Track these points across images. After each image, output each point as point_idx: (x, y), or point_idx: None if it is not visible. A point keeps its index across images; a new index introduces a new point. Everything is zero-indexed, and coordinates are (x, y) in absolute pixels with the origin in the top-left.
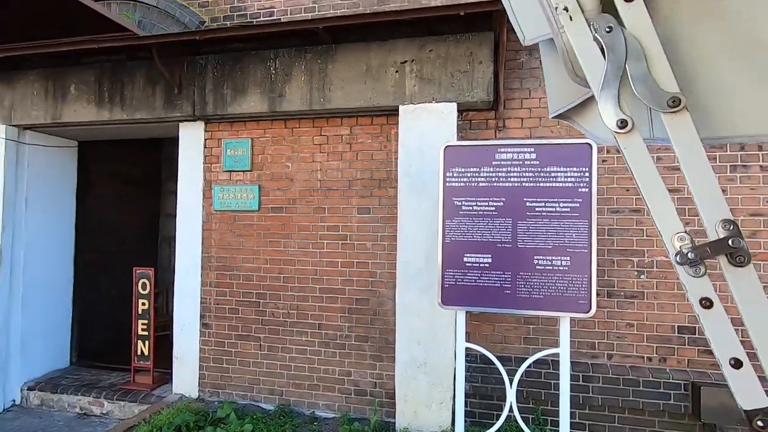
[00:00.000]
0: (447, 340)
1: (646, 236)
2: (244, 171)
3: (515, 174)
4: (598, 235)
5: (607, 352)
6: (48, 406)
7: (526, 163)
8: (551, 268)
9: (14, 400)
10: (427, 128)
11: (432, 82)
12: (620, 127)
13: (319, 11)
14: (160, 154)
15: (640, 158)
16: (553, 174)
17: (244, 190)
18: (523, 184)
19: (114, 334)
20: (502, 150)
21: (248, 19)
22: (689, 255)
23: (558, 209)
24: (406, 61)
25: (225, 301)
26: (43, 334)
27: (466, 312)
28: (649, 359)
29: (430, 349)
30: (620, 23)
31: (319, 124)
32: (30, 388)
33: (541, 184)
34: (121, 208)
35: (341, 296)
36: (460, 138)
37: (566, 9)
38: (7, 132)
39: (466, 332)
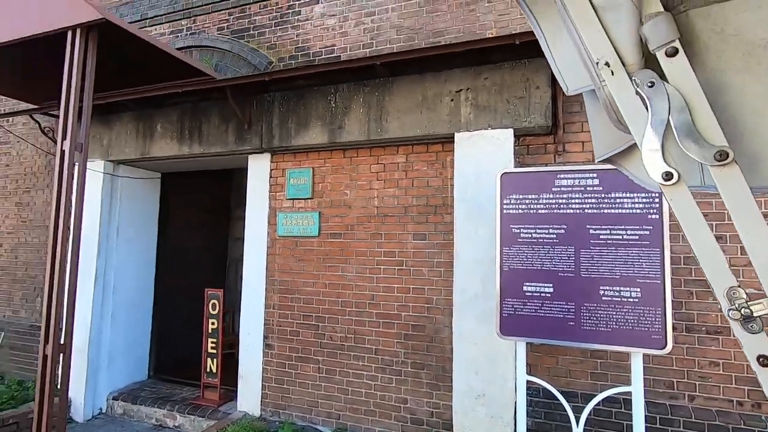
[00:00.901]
0: (507, 371)
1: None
2: (305, 199)
3: (577, 200)
4: (672, 264)
5: (688, 393)
6: (129, 415)
7: (588, 189)
8: (619, 299)
9: (101, 408)
10: (484, 155)
11: (487, 108)
12: (666, 180)
13: (376, 47)
14: (231, 183)
15: (688, 211)
16: (618, 200)
17: (305, 217)
18: (586, 210)
19: (187, 350)
20: (563, 176)
21: (311, 58)
22: (743, 311)
23: (625, 237)
24: (461, 90)
25: (287, 322)
26: (126, 348)
27: (527, 343)
28: (740, 404)
29: (489, 380)
30: (663, 77)
31: (376, 153)
32: (114, 398)
33: (606, 211)
34: (195, 234)
35: (397, 322)
36: (517, 163)
37: (607, 64)
38: (105, 167)
39: (527, 364)
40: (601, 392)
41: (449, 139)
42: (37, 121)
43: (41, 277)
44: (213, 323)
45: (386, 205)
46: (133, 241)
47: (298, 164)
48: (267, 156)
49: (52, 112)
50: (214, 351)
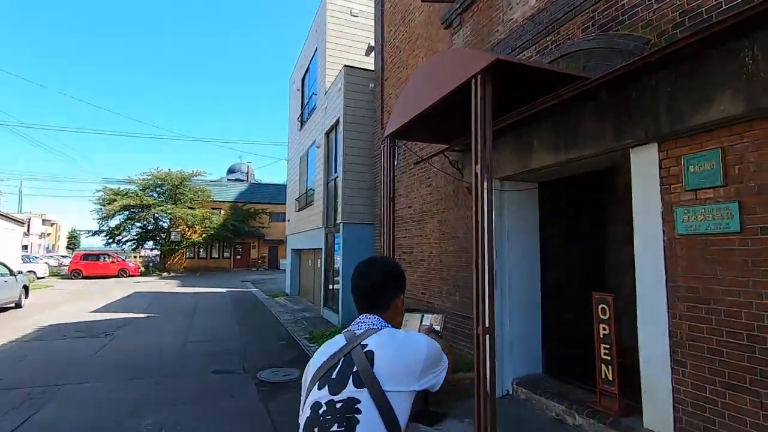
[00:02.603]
0: None
1: None
2: (714, 187)
3: None
4: None
5: None
6: (531, 402)
7: None
8: None
9: (507, 391)
10: None
11: None
12: None
13: None
14: (601, 185)
15: None
16: None
17: (716, 210)
18: None
19: (574, 352)
20: None
21: (704, 17)
22: None
23: None
24: None
25: (702, 338)
26: (522, 341)
27: None
28: None
29: None
30: None
31: None
32: (518, 384)
33: None
34: (570, 237)
35: None
36: None
37: None
38: (495, 184)
39: None
40: None
41: None
42: (447, 156)
43: (458, 276)
44: (605, 328)
45: None
46: (520, 243)
47: (697, 147)
48: (653, 146)
49: (455, 149)
50: (608, 358)
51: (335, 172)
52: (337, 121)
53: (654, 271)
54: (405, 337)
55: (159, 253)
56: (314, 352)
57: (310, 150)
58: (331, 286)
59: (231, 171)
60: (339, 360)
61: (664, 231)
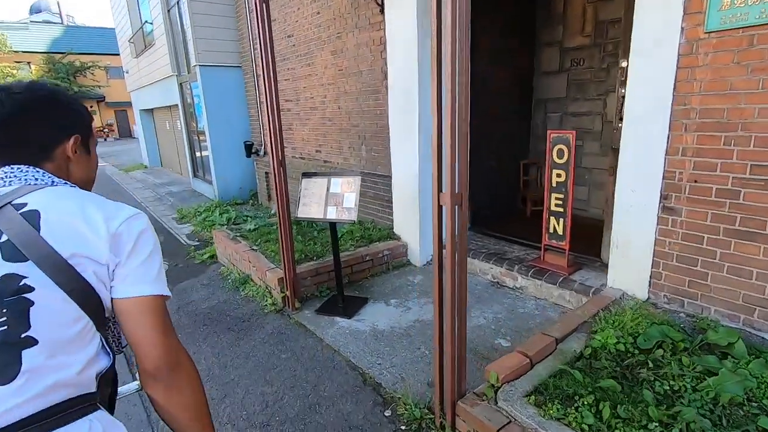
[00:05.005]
0: None
1: None
2: None
3: None
4: None
5: None
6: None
7: None
8: None
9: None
10: None
11: None
12: None
13: None
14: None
15: None
16: None
17: None
18: None
19: (503, 202)
20: None
21: None
22: None
23: None
24: None
25: (711, 177)
26: None
27: None
28: None
29: None
30: None
31: None
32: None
33: None
34: (496, 67)
35: None
36: None
37: None
38: None
39: None
40: None
41: None
42: None
43: (364, 125)
44: (559, 175)
45: None
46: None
47: None
48: None
49: None
50: (561, 210)
51: None
52: None
53: (655, 88)
54: (92, 196)
55: None
56: (185, 234)
57: None
58: (199, 153)
59: (36, 10)
60: None
61: (682, 30)
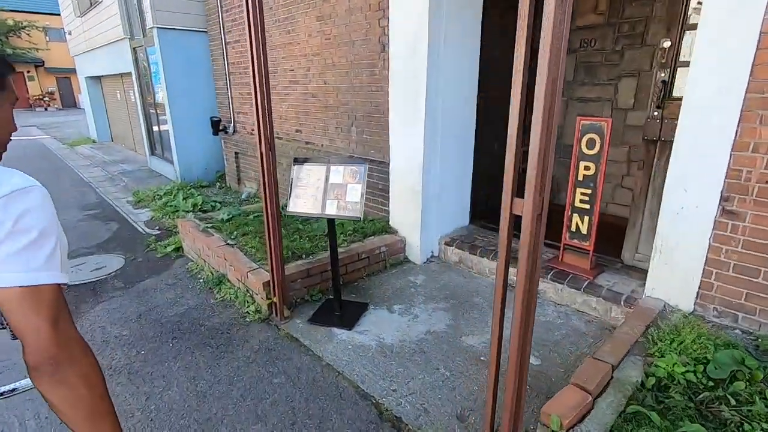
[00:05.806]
0: None
1: None
2: None
3: None
4: None
5: None
6: (466, 265)
7: None
8: None
9: (432, 252)
10: None
11: None
12: None
13: None
14: None
15: None
16: None
17: None
18: None
19: (499, 193)
20: None
21: None
22: None
23: None
24: None
25: None
26: (452, 187)
27: None
28: None
29: None
30: None
31: None
32: (446, 243)
33: None
34: (503, 44)
35: None
36: None
37: None
38: None
39: None
40: None
41: None
42: None
43: (354, 102)
44: (588, 168)
45: None
46: (457, 57)
47: None
48: None
49: None
50: (587, 207)
51: None
52: None
53: (720, 75)
54: None
55: None
56: (143, 221)
57: None
58: (157, 128)
59: None
60: None
61: None
